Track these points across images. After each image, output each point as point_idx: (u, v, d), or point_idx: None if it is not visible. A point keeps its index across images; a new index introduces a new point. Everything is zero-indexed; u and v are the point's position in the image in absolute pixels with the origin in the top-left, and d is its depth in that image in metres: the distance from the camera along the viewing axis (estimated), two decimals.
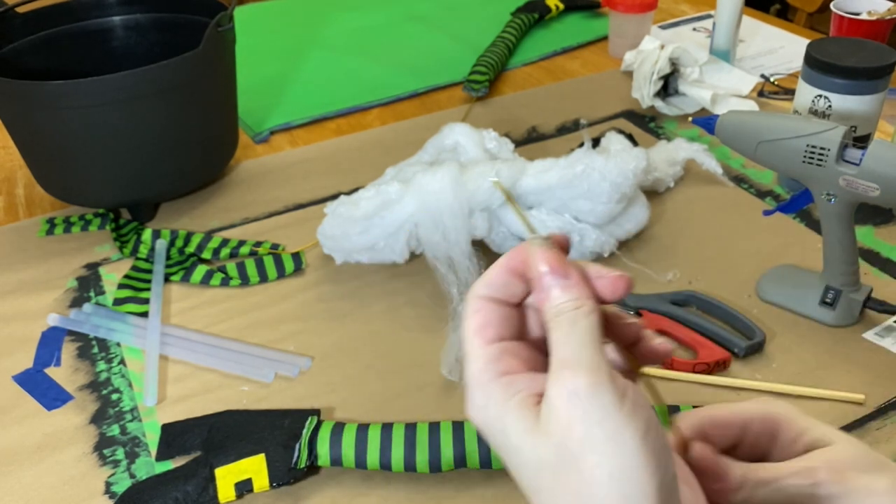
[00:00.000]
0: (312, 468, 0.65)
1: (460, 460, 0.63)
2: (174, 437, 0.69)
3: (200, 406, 0.72)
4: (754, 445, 0.44)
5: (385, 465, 0.63)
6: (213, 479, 0.64)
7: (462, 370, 0.74)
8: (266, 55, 1.38)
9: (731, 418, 0.43)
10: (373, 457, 0.63)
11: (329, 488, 0.65)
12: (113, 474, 0.67)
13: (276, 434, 0.66)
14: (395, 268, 0.88)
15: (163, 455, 0.68)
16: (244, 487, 0.64)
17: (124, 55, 1.06)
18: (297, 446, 0.65)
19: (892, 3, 1.21)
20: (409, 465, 0.63)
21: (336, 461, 0.64)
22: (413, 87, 1.26)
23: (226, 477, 0.64)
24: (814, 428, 0.43)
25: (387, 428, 0.65)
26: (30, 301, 0.85)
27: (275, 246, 0.91)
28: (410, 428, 0.65)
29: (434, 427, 0.65)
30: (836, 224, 0.75)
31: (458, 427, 0.65)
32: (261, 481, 0.64)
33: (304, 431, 0.65)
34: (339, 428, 0.65)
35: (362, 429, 0.65)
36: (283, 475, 0.63)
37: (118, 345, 0.80)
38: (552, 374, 0.35)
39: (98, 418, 0.72)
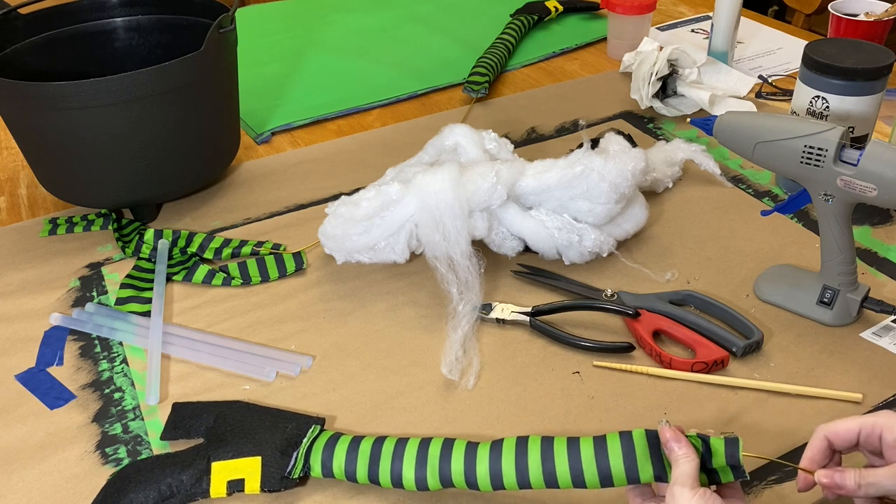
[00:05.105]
0: (305, 478, 0.65)
1: (446, 480, 0.61)
2: (182, 419, 0.69)
3: None
4: (865, 445, 0.56)
5: (373, 480, 0.63)
6: (208, 472, 0.64)
7: (462, 370, 0.75)
8: (267, 57, 1.39)
9: (846, 431, 0.56)
10: (361, 471, 0.63)
11: (331, 486, 0.65)
12: (115, 472, 0.67)
13: (278, 438, 0.66)
14: (396, 268, 0.88)
15: (167, 435, 0.69)
16: (236, 487, 0.64)
17: (126, 57, 1.06)
18: (295, 455, 0.64)
19: (889, 5, 1.22)
20: (397, 482, 0.62)
21: (328, 474, 0.64)
22: (413, 88, 1.26)
23: (221, 473, 0.64)
24: None
25: (378, 442, 0.64)
26: (32, 301, 0.86)
27: (276, 246, 0.92)
28: (401, 443, 0.63)
29: (424, 443, 0.63)
30: (833, 224, 0.75)
31: (448, 444, 0.62)
32: (252, 484, 0.63)
33: (304, 440, 0.65)
34: (333, 440, 0.65)
35: (354, 442, 0.64)
36: (276, 483, 0.63)
37: (120, 344, 0.80)
38: None
39: (100, 417, 0.72)
